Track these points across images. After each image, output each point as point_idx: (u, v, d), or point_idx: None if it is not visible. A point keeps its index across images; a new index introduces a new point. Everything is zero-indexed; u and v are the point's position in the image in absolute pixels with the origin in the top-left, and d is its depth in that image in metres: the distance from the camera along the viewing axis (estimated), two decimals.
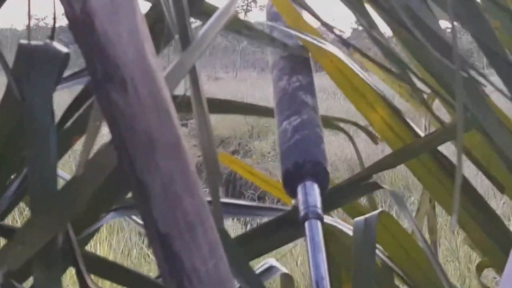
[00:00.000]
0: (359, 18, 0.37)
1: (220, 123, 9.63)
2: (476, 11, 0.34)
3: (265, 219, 0.61)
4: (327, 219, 0.60)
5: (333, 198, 0.56)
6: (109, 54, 0.30)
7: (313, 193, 0.51)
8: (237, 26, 0.51)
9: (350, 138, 0.70)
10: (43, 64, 0.42)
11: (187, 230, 0.30)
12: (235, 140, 8.80)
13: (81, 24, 0.31)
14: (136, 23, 0.32)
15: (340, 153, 6.36)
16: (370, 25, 0.37)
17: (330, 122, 0.66)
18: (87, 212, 0.45)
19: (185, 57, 0.40)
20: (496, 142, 0.37)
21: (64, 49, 0.43)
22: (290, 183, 0.52)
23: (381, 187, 0.61)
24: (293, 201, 0.54)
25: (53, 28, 0.44)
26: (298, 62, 0.60)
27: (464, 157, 0.63)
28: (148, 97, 0.31)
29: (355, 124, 0.67)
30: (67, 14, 0.32)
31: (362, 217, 0.59)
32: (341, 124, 0.68)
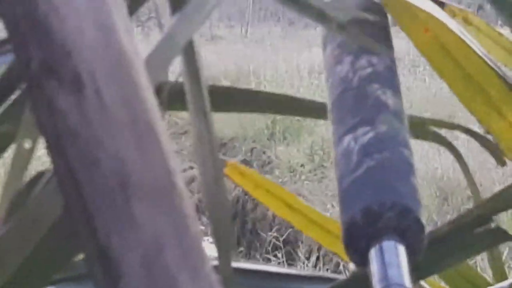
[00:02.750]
0: None
1: (219, 114, 9.36)
2: None
3: None
4: None
5: (427, 256, 0.52)
6: (53, 32, 0.29)
7: (397, 262, 0.48)
8: None
9: (457, 155, 0.66)
10: None
11: None
12: (246, 144, 8.18)
13: None
14: None
15: (425, 167, 6.10)
16: None
17: (421, 129, 0.63)
18: None
19: (178, 26, 0.39)
20: None
21: None
22: (357, 243, 0.49)
23: (511, 239, 0.58)
24: (352, 265, 0.51)
25: None
26: (370, 32, 0.57)
27: None
28: (120, 107, 0.29)
29: (468, 131, 0.64)
30: None
31: None
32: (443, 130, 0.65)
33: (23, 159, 0.33)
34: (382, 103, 0.53)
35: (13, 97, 0.45)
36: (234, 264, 0.48)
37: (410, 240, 0.49)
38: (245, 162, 7.88)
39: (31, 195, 0.35)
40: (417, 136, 0.64)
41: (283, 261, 5.21)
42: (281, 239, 5.27)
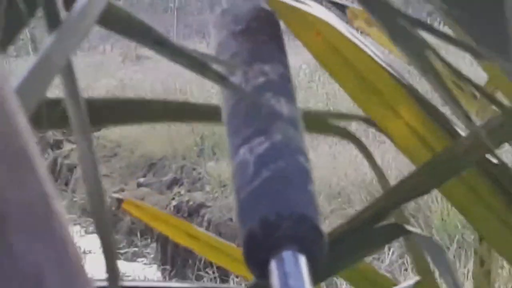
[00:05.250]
0: None
1: (148, 134, 9.18)
2: None
3: None
4: None
5: (329, 256, 0.51)
6: None
7: (297, 271, 0.47)
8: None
9: (362, 147, 0.66)
10: None
11: None
12: (175, 162, 8.03)
13: None
14: None
15: (354, 173, 6.05)
16: None
17: (325, 123, 0.63)
18: None
19: (55, 46, 0.38)
20: None
21: None
22: (257, 255, 0.48)
23: (408, 233, 0.59)
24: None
25: None
26: (261, 40, 0.56)
27: None
28: None
29: (367, 120, 0.64)
30: None
31: None
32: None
33: None
34: (276, 112, 0.52)
35: None
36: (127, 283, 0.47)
37: (310, 248, 0.48)
38: (176, 180, 7.72)
39: None
40: (319, 131, 0.64)
41: (215, 277, 5.25)
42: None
